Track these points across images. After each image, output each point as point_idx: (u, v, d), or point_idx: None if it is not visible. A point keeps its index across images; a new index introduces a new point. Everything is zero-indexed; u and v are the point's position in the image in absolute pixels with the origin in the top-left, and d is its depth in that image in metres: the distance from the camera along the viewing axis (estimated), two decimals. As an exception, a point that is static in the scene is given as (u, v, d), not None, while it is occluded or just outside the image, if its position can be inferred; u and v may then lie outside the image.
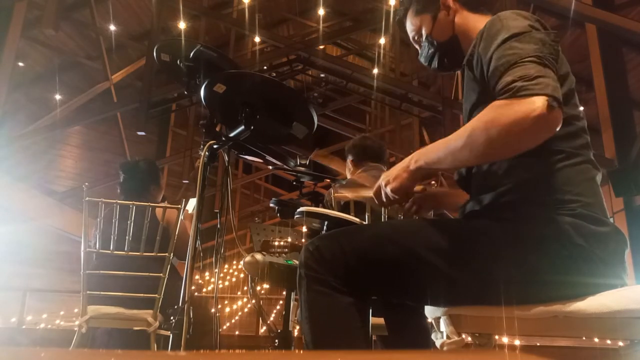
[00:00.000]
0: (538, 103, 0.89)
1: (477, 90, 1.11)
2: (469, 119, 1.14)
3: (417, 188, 1.17)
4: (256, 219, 12.16)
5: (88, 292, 2.09)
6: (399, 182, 1.10)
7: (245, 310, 9.70)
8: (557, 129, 0.92)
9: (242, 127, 1.46)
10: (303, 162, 1.78)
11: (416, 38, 1.32)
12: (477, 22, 1.21)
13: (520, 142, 0.93)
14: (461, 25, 1.24)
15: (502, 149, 0.95)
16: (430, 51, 1.29)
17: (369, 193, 1.21)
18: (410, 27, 1.33)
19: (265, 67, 8.26)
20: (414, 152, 1.11)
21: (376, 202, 1.16)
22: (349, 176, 2.49)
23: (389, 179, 1.11)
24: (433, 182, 1.39)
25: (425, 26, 1.28)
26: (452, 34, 1.25)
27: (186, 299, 1.37)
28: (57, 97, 8.68)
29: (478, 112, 1.06)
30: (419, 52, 1.34)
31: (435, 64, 1.30)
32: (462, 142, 0.97)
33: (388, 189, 1.12)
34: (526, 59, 0.95)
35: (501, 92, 0.94)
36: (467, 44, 1.18)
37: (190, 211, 2.45)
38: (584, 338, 1.00)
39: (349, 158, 2.49)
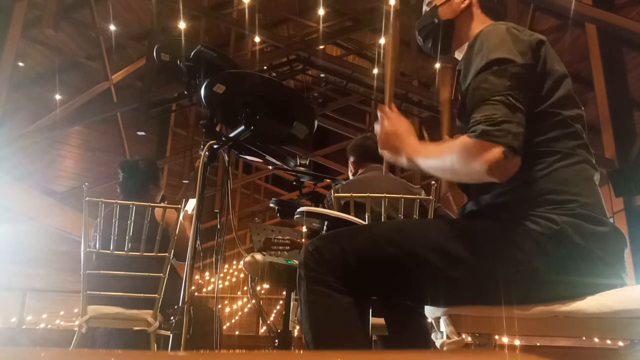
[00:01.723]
0: (495, 153, 0.95)
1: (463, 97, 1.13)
2: (458, 117, 1.16)
3: None
4: (256, 219, 12.18)
5: (88, 292, 2.09)
6: (392, 152, 1.16)
7: (245, 310, 9.70)
8: (511, 174, 0.98)
9: (242, 127, 1.46)
10: (303, 162, 1.78)
11: (427, 2, 1.35)
12: (479, 23, 1.23)
13: (478, 179, 1.00)
14: (466, 19, 1.26)
15: (464, 179, 1.10)
16: (428, 20, 1.31)
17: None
18: None
19: (265, 67, 8.26)
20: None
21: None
22: (350, 176, 2.50)
23: (387, 140, 1.16)
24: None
25: None
26: (453, 18, 1.27)
27: (186, 299, 1.37)
28: (57, 97, 8.67)
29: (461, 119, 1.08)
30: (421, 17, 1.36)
31: (424, 33, 1.32)
32: (439, 163, 1.07)
33: (380, 144, 1.18)
34: (496, 98, 0.99)
35: (469, 128, 1.00)
36: (459, 38, 1.24)
37: (190, 211, 2.45)
38: (584, 338, 1.00)
39: (350, 159, 2.49)
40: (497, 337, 1.04)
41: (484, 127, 0.97)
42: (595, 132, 5.53)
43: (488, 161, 0.95)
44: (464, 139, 1.00)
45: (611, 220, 1.04)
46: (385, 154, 1.18)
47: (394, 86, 1.33)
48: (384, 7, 7.94)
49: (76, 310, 2.14)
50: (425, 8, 1.36)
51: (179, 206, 2.22)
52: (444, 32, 1.28)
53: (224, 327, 8.36)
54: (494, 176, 0.97)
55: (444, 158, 1.05)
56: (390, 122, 1.17)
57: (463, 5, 1.26)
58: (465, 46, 1.13)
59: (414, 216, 2.04)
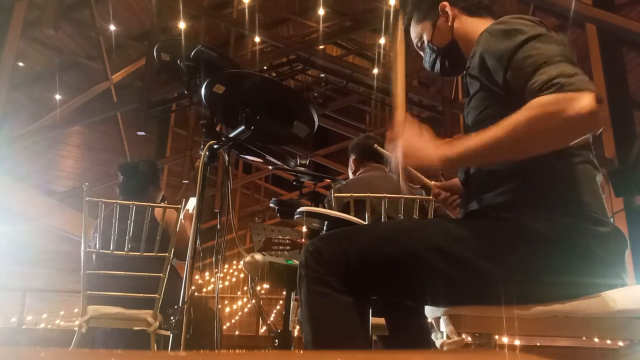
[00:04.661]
0: (588, 98, 0.87)
1: (480, 92, 1.12)
2: (471, 120, 1.14)
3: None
4: (256, 219, 12.17)
5: (88, 292, 2.09)
6: (418, 164, 1.07)
7: (245, 310, 9.70)
8: (599, 130, 0.91)
9: (243, 127, 1.46)
10: (303, 162, 1.78)
11: (419, 45, 1.35)
12: (476, 25, 1.22)
13: (570, 136, 0.92)
14: (460, 29, 1.26)
15: (547, 143, 0.93)
16: (432, 57, 1.32)
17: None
18: (413, 34, 1.36)
19: (265, 67, 8.27)
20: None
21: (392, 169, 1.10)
22: (351, 175, 2.50)
23: (408, 155, 1.05)
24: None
25: (426, 33, 1.31)
26: (451, 39, 1.27)
27: (186, 299, 1.37)
28: (57, 97, 8.67)
29: (477, 114, 1.06)
30: (423, 58, 1.36)
31: (437, 68, 1.33)
32: (503, 139, 0.94)
33: (400, 161, 1.07)
34: (555, 58, 0.94)
35: (542, 89, 0.92)
36: (468, 48, 1.20)
37: (190, 211, 2.45)
38: (584, 338, 1.00)
39: (352, 157, 2.49)
40: (497, 337, 1.04)
41: (563, 81, 0.90)
42: (595, 132, 5.52)
43: (584, 110, 0.86)
44: (538, 100, 0.91)
45: (611, 220, 1.04)
46: (410, 162, 1.06)
47: (405, 94, 1.25)
48: (384, 7, 7.95)
49: (76, 310, 2.14)
50: (420, 53, 1.36)
51: (179, 206, 2.22)
52: (451, 55, 1.28)
53: (224, 327, 8.36)
54: (594, 125, 0.89)
55: (513, 130, 0.92)
56: (404, 135, 1.07)
57: (449, 23, 1.26)
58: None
59: (414, 216, 2.04)
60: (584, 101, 0.87)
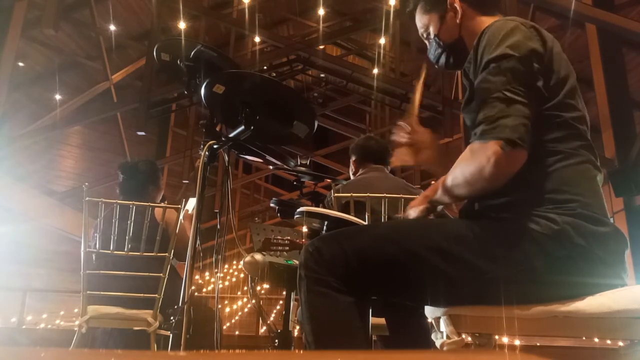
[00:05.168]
0: (493, 149, 0.97)
1: (472, 95, 1.12)
2: (470, 122, 1.15)
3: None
4: (256, 219, 12.18)
5: (88, 292, 2.09)
6: (416, 214, 1.25)
7: (245, 310, 9.71)
8: (519, 165, 0.99)
9: (242, 127, 1.46)
10: (303, 162, 1.78)
11: (425, 35, 1.34)
12: (484, 23, 1.21)
13: (490, 182, 1.01)
14: (468, 27, 1.25)
15: (480, 187, 1.04)
16: (437, 51, 1.31)
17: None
18: (419, 23, 1.35)
19: (265, 67, 8.26)
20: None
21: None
22: (351, 176, 2.50)
23: (409, 212, 1.27)
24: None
25: (433, 26, 1.29)
26: (458, 36, 1.26)
27: (186, 299, 1.37)
28: (57, 97, 8.68)
29: (474, 116, 1.07)
30: (428, 48, 1.35)
31: (442, 63, 1.32)
32: (450, 183, 1.09)
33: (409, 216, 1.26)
34: (493, 96, 1.00)
35: (474, 133, 1.03)
36: (472, 45, 1.19)
37: (190, 211, 2.45)
38: (584, 338, 1.00)
39: (352, 158, 2.49)
40: (497, 337, 1.04)
41: (483, 128, 1.00)
42: (595, 132, 5.53)
43: (490, 158, 0.97)
44: (470, 146, 1.04)
45: (611, 220, 1.04)
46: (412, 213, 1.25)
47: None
48: (384, 7, 7.95)
49: (76, 310, 2.14)
50: (425, 42, 1.36)
51: (179, 206, 2.22)
52: (456, 51, 1.28)
53: (224, 327, 8.36)
54: (500, 171, 0.98)
55: (455, 173, 1.07)
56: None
57: (458, 19, 1.25)
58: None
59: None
60: (488, 153, 0.97)
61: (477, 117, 1.02)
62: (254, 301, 1.89)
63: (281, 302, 7.34)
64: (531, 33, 1.06)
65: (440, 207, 1.28)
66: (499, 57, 1.02)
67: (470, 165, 1.03)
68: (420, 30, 1.35)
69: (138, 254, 2.13)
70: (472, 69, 1.11)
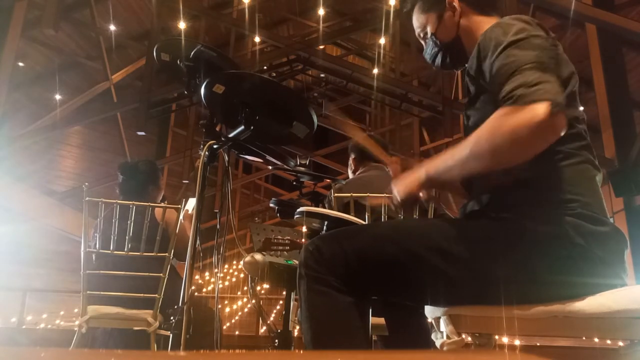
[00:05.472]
0: (539, 109, 0.89)
1: (476, 95, 1.12)
2: (469, 122, 1.15)
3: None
4: (256, 219, 12.17)
5: (88, 292, 2.09)
6: (408, 191, 1.12)
7: (245, 310, 9.70)
8: (563, 132, 0.93)
9: (242, 127, 1.46)
10: (303, 162, 1.78)
11: (421, 35, 1.34)
12: (482, 23, 1.21)
13: (525, 149, 0.94)
14: (465, 26, 1.25)
15: (507, 156, 0.96)
16: (433, 50, 1.31)
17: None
18: (416, 22, 1.34)
19: (265, 67, 8.26)
20: (414, 151, 1.13)
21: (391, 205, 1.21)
22: (350, 175, 2.50)
23: (398, 188, 1.14)
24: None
25: (430, 25, 1.29)
26: (455, 35, 1.26)
27: (186, 299, 1.37)
28: (57, 97, 8.68)
29: (477, 116, 1.06)
30: (424, 48, 1.35)
31: (438, 62, 1.32)
32: (468, 151, 0.99)
33: (398, 197, 1.14)
34: (525, 66, 0.96)
35: (503, 100, 0.95)
36: (471, 45, 1.19)
37: (190, 211, 2.45)
38: (584, 338, 1.00)
39: (352, 156, 2.50)
40: (497, 337, 1.04)
41: (521, 91, 0.92)
42: (595, 132, 5.53)
43: (535, 121, 0.89)
44: (499, 111, 0.95)
45: (611, 220, 1.04)
46: (402, 193, 1.13)
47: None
48: (384, 7, 7.95)
49: (76, 310, 2.14)
50: (421, 42, 1.36)
51: (179, 206, 2.22)
52: (453, 51, 1.27)
53: (224, 327, 8.36)
54: (546, 135, 0.91)
55: (477, 142, 0.97)
56: (394, 179, 1.18)
57: (456, 18, 1.25)
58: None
59: (414, 216, 2.04)
60: (533, 112, 0.89)
61: (505, 88, 0.95)
62: (254, 301, 1.89)
63: (281, 302, 7.34)
64: (540, 30, 1.06)
65: (441, 210, 1.27)
66: (520, 39, 1.00)
67: (503, 128, 0.92)
68: (417, 30, 1.34)
69: (138, 254, 2.13)
70: (475, 65, 1.10)
